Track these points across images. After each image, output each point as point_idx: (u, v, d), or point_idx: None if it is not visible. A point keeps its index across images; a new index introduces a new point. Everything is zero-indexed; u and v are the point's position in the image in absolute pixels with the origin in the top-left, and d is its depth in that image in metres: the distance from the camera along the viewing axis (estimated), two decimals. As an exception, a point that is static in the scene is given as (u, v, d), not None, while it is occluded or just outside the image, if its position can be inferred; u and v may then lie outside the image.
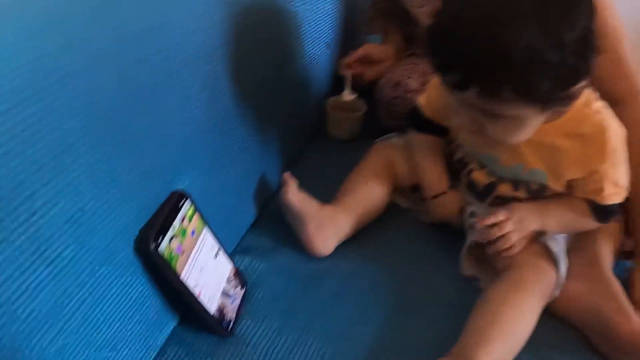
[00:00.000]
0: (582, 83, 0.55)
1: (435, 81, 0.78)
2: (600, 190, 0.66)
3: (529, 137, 0.62)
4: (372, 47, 1.05)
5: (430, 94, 0.80)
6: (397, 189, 0.86)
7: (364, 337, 0.63)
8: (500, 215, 0.67)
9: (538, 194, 0.71)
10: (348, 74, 1.02)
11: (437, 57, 0.57)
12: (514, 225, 0.67)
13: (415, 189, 0.84)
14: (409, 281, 0.72)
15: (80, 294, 0.46)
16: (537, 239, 0.69)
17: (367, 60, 1.04)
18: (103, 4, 0.53)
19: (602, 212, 0.69)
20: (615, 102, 0.68)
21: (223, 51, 0.70)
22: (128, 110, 0.53)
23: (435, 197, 0.80)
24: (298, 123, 0.99)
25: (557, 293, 0.67)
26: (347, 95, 1.03)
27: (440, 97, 0.75)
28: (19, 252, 0.41)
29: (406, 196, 0.87)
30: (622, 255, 0.77)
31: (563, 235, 0.72)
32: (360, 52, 1.02)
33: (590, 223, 0.70)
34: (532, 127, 0.60)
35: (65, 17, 0.48)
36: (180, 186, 0.60)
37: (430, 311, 0.68)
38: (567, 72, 0.52)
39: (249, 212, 0.81)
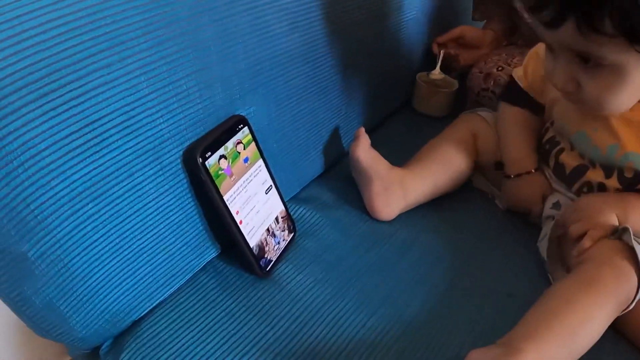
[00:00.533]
0: None
1: (533, 52, 0.71)
2: None
3: (632, 104, 0.52)
4: (468, 30, 0.99)
5: (527, 65, 0.72)
6: (478, 167, 0.78)
7: (407, 310, 0.57)
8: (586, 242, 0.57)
9: (632, 185, 0.60)
10: (440, 52, 0.97)
11: None
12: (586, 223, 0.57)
13: (499, 166, 0.76)
14: (470, 263, 0.65)
15: (118, 188, 0.46)
16: (620, 236, 0.57)
17: (462, 43, 0.98)
18: None
19: None
20: None
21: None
22: (196, 17, 0.51)
23: (518, 175, 0.71)
24: (386, 90, 0.94)
25: (632, 305, 0.55)
26: (437, 74, 0.98)
27: (537, 69, 0.69)
28: (63, 126, 0.41)
29: (487, 175, 0.79)
30: None
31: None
32: (456, 32, 0.98)
33: None
34: (635, 85, 0.50)
35: None
36: (243, 112, 0.58)
37: (487, 298, 0.60)
38: None
39: (316, 164, 0.77)
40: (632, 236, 0.55)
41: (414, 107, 1.02)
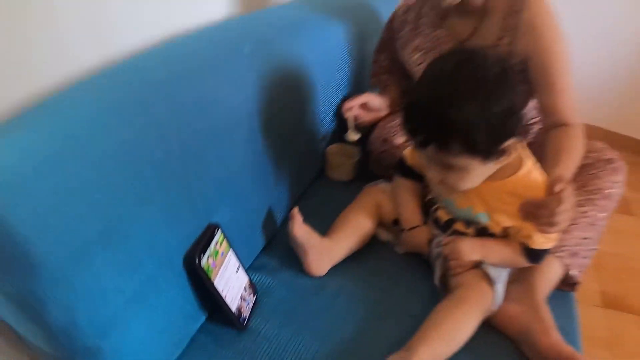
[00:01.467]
0: (511, 141, 0.77)
1: None
2: (529, 237, 0.87)
3: (477, 185, 0.84)
4: (371, 96, 1.20)
5: (413, 148, 1.03)
6: (380, 224, 1.08)
7: (345, 335, 0.86)
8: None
9: (483, 232, 0.93)
10: (350, 115, 1.17)
11: (407, 125, 0.79)
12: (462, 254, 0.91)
13: (396, 222, 1.06)
14: (384, 296, 0.95)
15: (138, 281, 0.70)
16: (480, 266, 0.91)
17: (366, 107, 1.20)
18: (163, 83, 0.77)
19: (533, 255, 0.89)
20: (556, 124, 0.97)
21: (254, 118, 0.94)
22: (183, 165, 0.76)
23: (410, 229, 1.02)
24: (305, 167, 1.22)
25: (494, 309, 0.89)
26: (351, 135, 1.18)
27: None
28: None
29: (388, 230, 1.09)
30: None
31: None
32: (362, 98, 1.18)
33: (523, 262, 0.90)
34: (478, 175, 0.82)
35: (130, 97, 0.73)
36: (215, 219, 0.84)
37: (399, 319, 0.89)
38: (497, 132, 0.75)
39: (261, 240, 1.04)
40: (488, 266, 0.89)
41: (327, 175, 1.31)
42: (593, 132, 2.59)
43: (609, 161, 1.05)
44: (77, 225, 0.59)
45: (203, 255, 0.76)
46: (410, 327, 0.85)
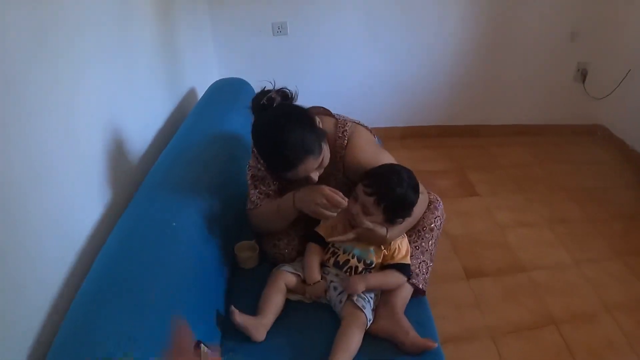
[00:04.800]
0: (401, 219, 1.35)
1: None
2: (398, 257, 1.42)
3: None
4: None
5: (322, 223, 1.51)
6: (289, 291, 1.49)
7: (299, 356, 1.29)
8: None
9: (368, 268, 1.43)
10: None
11: (374, 191, 1.36)
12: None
13: (303, 281, 1.49)
14: (305, 339, 1.38)
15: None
16: (350, 299, 1.38)
17: None
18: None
19: (403, 269, 1.43)
20: None
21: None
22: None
23: (313, 283, 1.46)
24: (226, 269, 1.60)
25: (369, 324, 1.36)
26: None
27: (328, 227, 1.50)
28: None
29: (298, 291, 1.51)
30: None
31: (372, 295, 1.43)
32: None
33: (399, 277, 1.42)
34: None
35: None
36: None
37: (315, 348, 1.33)
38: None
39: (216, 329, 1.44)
40: (359, 297, 1.38)
41: (240, 266, 1.68)
42: (434, 130, 3.33)
43: (428, 204, 1.60)
44: None
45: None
46: (327, 345, 1.31)
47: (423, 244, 1.55)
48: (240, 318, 1.34)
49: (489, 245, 2.44)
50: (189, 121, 2.00)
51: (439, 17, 3.06)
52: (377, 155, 1.48)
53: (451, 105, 3.39)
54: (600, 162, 3.25)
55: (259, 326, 1.36)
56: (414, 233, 1.56)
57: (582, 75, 3.30)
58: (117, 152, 1.60)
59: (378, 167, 1.43)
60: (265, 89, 1.38)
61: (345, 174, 1.48)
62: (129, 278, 1.14)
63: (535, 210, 2.72)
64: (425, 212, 1.57)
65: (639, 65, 3.07)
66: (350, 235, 1.41)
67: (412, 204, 1.41)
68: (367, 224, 1.38)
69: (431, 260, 1.57)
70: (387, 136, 3.39)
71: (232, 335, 1.37)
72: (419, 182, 1.46)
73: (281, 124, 1.29)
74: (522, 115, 3.46)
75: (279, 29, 3.01)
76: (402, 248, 1.47)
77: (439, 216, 1.59)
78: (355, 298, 1.38)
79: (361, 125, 1.56)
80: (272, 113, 1.33)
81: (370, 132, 1.58)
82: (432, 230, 1.57)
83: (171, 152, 1.75)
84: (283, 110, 1.34)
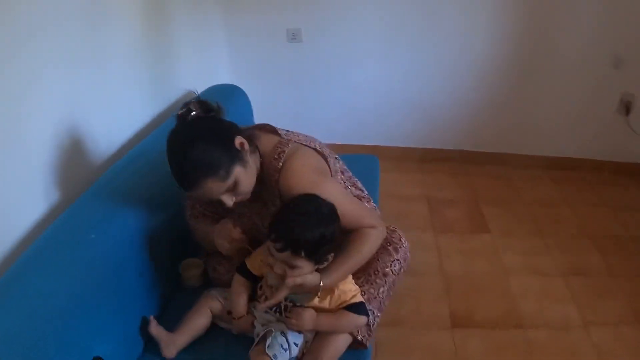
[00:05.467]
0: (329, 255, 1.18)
1: (258, 252, 1.36)
2: (350, 298, 1.25)
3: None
4: None
5: (253, 257, 1.36)
6: (218, 317, 1.37)
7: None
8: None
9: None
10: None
11: (275, 238, 1.17)
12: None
13: (229, 313, 1.36)
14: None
15: None
16: (264, 344, 1.22)
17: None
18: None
19: (358, 308, 1.24)
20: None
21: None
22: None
23: (239, 318, 1.32)
24: (166, 285, 1.52)
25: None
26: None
27: (256, 260, 1.35)
28: None
29: (224, 319, 1.38)
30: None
31: (299, 341, 1.26)
32: None
33: (355, 318, 1.24)
34: (307, 272, 1.19)
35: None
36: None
37: None
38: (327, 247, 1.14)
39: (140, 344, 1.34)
40: (274, 342, 1.22)
41: (183, 284, 1.59)
42: (456, 155, 3.04)
43: (387, 244, 1.39)
44: None
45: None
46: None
47: (372, 290, 1.35)
48: (155, 330, 1.29)
49: (487, 291, 2.17)
50: (163, 126, 1.90)
51: (465, 29, 2.80)
52: (312, 183, 1.26)
53: (476, 128, 3.12)
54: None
55: (169, 343, 1.29)
56: (362, 276, 1.36)
57: (626, 107, 2.92)
58: (72, 154, 1.54)
59: (279, 211, 1.23)
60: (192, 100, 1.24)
61: (283, 201, 1.30)
62: (30, 285, 1.11)
63: (551, 256, 2.41)
64: (380, 253, 1.37)
65: (693, 102, 2.68)
66: (281, 295, 1.21)
67: (332, 237, 1.19)
68: (296, 280, 1.18)
69: (380, 310, 1.36)
70: (404, 157, 3.19)
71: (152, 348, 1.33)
72: (378, 212, 1.27)
73: (186, 140, 1.16)
74: (554, 146, 3.12)
75: (294, 36, 2.88)
76: (347, 293, 1.28)
77: (397, 259, 1.39)
78: (268, 342, 1.22)
79: (310, 147, 1.36)
80: (183, 125, 1.21)
81: (323, 154, 1.39)
82: (385, 275, 1.36)
83: (127, 158, 1.66)
84: (196, 125, 1.21)
